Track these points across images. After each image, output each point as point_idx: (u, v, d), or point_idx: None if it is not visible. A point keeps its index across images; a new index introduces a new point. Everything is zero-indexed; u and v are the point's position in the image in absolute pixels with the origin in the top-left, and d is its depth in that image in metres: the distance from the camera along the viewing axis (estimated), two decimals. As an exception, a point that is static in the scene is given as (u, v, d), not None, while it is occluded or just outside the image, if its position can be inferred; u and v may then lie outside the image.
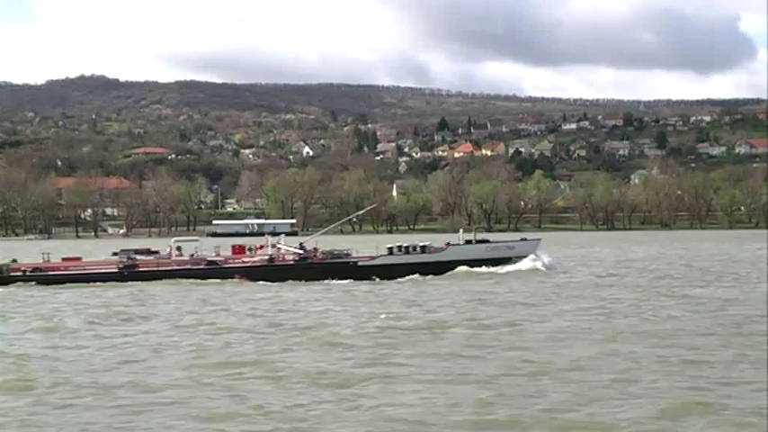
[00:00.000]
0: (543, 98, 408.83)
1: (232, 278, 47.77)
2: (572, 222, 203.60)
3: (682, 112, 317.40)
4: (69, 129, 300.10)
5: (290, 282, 46.47)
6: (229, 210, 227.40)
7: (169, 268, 49.58)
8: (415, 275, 47.87)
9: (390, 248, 50.65)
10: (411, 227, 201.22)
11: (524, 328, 26.49)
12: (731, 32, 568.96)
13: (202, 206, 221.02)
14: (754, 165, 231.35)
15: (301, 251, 50.80)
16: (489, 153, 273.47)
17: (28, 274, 48.60)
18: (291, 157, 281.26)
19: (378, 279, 47.23)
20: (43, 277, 48.26)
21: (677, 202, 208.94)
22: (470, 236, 53.81)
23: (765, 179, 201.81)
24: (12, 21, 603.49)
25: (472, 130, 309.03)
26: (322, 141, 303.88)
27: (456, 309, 32.04)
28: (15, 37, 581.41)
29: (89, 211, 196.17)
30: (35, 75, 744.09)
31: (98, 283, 46.57)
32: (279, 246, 51.85)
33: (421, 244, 51.75)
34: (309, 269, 48.78)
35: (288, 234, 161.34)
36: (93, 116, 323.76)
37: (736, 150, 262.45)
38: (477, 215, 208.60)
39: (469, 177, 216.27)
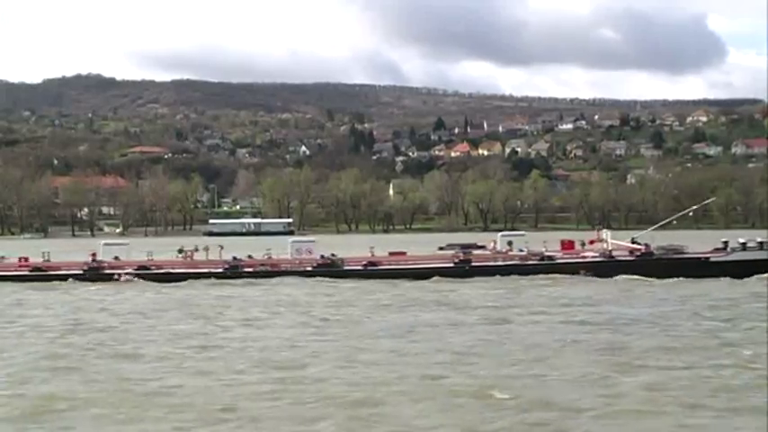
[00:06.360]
0: (540, 98, 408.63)
1: (576, 273, 46.42)
2: (568, 222, 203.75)
3: (678, 112, 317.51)
4: (65, 127, 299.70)
5: (632, 277, 44.79)
6: (225, 209, 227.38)
7: (506, 263, 48.62)
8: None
9: (743, 243, 47.83)
10: (407, 226, 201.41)
11: None
12: (699, 32, 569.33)
13: (198, 205, 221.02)
14: (751, 165, 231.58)
15: (641, 246, 48.83)
16: (486, 153, 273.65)
17: (369, 268, 48.63)
18: (288, 156, 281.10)
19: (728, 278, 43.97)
20: (378, 271, 47.98)
21: (674, 202, 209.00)
22: None
23: (762, 180, 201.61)
24: (7, 19, 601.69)
25: (469, 129, 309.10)
26: (318, 141, 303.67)
27: None
28: (11, 35, 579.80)
29: (85, 210, 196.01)
30: (31, 73, 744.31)
31: (435, 278, 46.26)
32: (608, 240, 50.51)
33: None
34: (652, 265, 46.49)
35: (284, 234, 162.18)
36: (90, 115, 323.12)
37: (733, 150, 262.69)
38: (473, 215, 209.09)
39: (466, 177, 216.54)
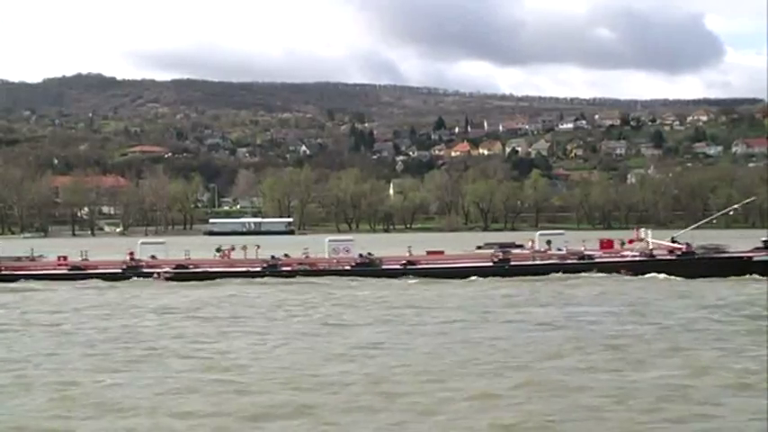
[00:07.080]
0: (540, 97, 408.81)
1: (618, 272, 46.03)
2: (569, 222, 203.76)
3: (678, 112, 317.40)
4: (66, 127, 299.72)
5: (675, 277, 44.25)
6: (226, 208, 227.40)
7: (545, 262, 48.26)
8: None
9: None
10: (408, 226, 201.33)
11: None
12: (697, 32, 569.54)
13: (199, 205, 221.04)
14: (751, 165, 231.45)
15: (681, 245, 48.23)
16: (486, 152, 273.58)
17: (408, 267, 48.38)
18: (288, 155, 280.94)
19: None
20: (418, 270, 47.80)
21: (674, 202, 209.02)
22: None
23: (762, 180, 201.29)
24: (7, 19, 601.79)
25: (469, 129, 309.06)
26: (319, 140, 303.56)
27: None
28: (11, 35, 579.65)
29: (86, 209, 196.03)
30: (32, 73, 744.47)
31: (474, 277, 45.65)
32: (648, 239, 50.04)
33: None
34: (693, 264, 45.88)
35: (285, 233, 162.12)
36: (90, 114, 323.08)
37: (733, 150, 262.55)
38: (473, 214, 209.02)
39: (466, 176, 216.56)
